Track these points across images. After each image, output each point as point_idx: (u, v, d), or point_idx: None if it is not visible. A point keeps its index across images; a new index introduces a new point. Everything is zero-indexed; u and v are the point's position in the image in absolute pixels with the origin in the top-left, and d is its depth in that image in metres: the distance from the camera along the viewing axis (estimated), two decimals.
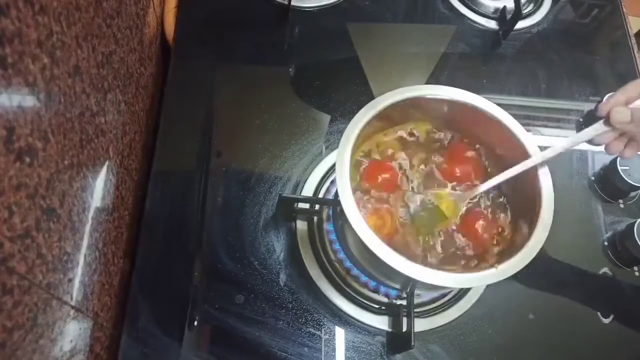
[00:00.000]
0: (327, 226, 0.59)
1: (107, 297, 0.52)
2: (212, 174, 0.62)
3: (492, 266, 0.43)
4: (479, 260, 0.48)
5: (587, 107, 0.74)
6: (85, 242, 0.45)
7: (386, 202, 0.50)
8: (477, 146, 0.54)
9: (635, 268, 0.63)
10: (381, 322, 0.56)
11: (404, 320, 0.55)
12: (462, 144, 0.54)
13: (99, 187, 0.49)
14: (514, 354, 0.57)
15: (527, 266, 0.42)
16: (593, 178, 0.68)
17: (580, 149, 0.71)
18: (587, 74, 0.78)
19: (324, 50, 0.74)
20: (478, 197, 0.51)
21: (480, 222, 0.49)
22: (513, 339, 0.58)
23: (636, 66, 0.79)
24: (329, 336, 0.55)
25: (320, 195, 0.62)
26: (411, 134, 0.54)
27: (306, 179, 0.63)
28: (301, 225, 0.60)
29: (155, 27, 0.72)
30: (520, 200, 0.50)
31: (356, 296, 0.57)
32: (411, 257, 0.42)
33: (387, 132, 0.54)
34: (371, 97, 0.49)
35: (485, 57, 0.79)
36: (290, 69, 0.72)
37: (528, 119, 0.73)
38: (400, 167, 0.52)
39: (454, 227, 0.50)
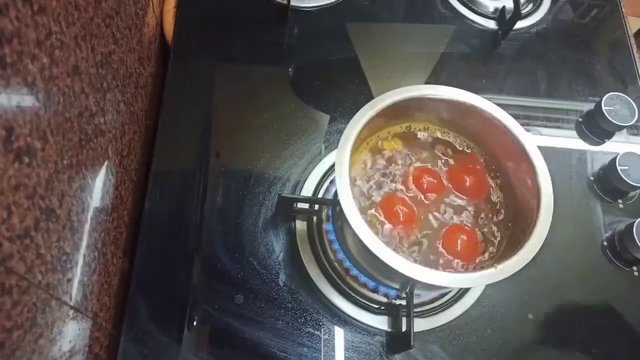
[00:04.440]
0: (327, 226, 0.59)
1: (106, 297, 0.52)
2: (212, 173, 0.62)
3: (491, 266, 0.43)
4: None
5: (587, 107, 0.74)
6: (84, 242, 0.45)
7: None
8: (476, 148, 0.54)
9: (635, 268, 0.63)
10: (380, 322, 0.56)
11: (404, 320, 0.55)
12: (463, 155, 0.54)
13: (98, 187, 0.49)
14: (514, 354, 0.57)
15: (526, 266, 0.42)
16: (592, 178, 0.68)
17: (580, 149, 0.71)
18: (587, 74, 0.78)
19: (324, 50, 0.74)
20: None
21: (463, 236, 0.49)
22: (513, 339, 0.58)
23: (635, 66, 0.79)
24: (329, 336, 0.55)
25: (320, 195, 0.62)
26: (410, 134, 0.54)
27: (305, 179, 0.63)
28: (300, 225, 0.60)
29: (154, 27, 0.72)
30: (520, 200, 0.50)
31: (355, 296, 0.57)
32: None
33: (386, 132, 0.54)
34: (370, 97, 0.49)
35: (485, 57, 0.79)
36: (290, 69, 0.72)
37: (527, 118, 0.73)
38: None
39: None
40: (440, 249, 0.49)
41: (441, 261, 0.49)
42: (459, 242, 0.49)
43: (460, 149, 0.54)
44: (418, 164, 0.53)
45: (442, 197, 0.52)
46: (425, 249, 0.49)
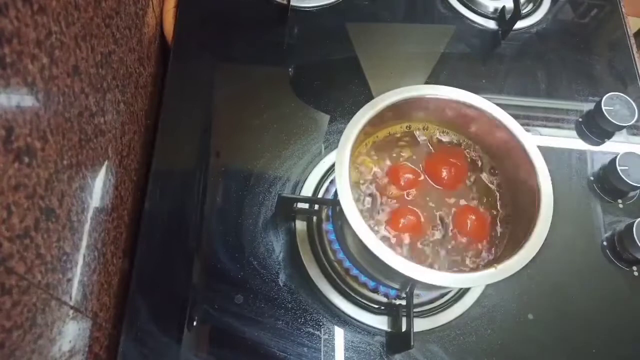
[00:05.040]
0: (326, 226, 0.59)
1: (106, 297, 0.52)
2: (212, 173, 0.62)
3: (491, 266, 0.43)
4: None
5: (587, 107, 0.74)
6: (84, 242, 0.45)
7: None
8: (474, 146, 0.54)
9: (634, 268, 0.63)
10: (380, 322, 0.56)
11: (404, 320, 0.55)
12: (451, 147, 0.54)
13: (98, 187, 0.49)
14: (514, 354, 0.57)
15: (526, 266, 0.42)
16: (592, 178, 0.68)
17: (580, 149, 0.71)
18: (586, 74, 0.78)
19: (324, 50, 0.74)
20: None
21: (472, 217, 0.50)
22: (512, 339, 0.58)
23: (635, 66, 0.79)
24: (328, 336, 0.55)
25: (320, 195, 0.62)
26: (410, 134, 0.54)
27: (305, 179, 0.63)
28: (300, 225, 0.60)
29: (154, 26, 0.72)
30: (520, 199, 0.50)
31: (355, 296, 0.57)
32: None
33: (386, 132, 0.54)
34: (370, 97, 0.49)
35: (485, 57, 0.79)
36: (290, 69, 0.72)
37: (527, 118, 0.73)
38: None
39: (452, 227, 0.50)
40: (455, 231, 0.50)
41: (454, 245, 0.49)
42: (470, 222, 0.49)
43: (445, 140, 0.54)
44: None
45: (429, 194, 0.52)
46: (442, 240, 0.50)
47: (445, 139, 0.54)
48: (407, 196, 0.51)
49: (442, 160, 0.52)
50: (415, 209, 0.50)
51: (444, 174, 0.52)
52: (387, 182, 0.51)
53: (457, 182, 0.52)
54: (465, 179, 0.52)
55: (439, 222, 0.50)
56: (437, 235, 0.50)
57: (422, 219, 0.50)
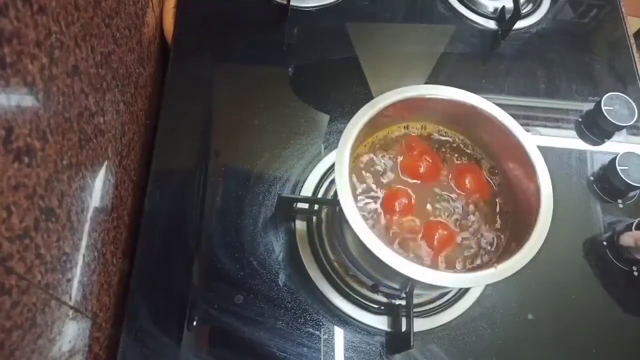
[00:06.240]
0: (326, 226, 0.59)
1: (106, 297, 0.52)
2: (211, 173, 0.62)
3: (491, 266, 0.43)
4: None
5: (586, 107, 0.74)
6: (84, 242, 0.45)
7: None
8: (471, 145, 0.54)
9: (634, 267, 0.63)
10: (380, 322, 0.56)
11: (403, 320, 0.55)
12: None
13: (98, 187, 0.49)
14: (513, 354, 0.57)
15: (526, 266, 0.42)
16: (592, 178, 0.68)
17: (580, 149, 0.71)
18: (586, 74, 0.78)
19: (323, 50, 0.74)
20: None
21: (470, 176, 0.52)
22: (512, 339, 0.58)
23: (635, 66, 0.79)
24: (328, 336, 0.55)
25: (319, 195, 0.62)
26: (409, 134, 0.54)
27: (305, 179, 0.63)
28: (300, 225, 0.60)
29: (154, 27, 0.72)
30: (520, 200, 0.50)
31: (355, 296, 0.57)
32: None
33: (386, 131, 0.54)
34: (370, 97, 0.49)
35: (484, 57, 0.79)
36: (290, 69, 0.72)
37: (527, 118, 0.73)
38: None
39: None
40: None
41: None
42: (469, 181, 0.51)
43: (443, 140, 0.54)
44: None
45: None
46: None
47: (443, 138, 0.54)
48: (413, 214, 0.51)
49: (414, 159, 0.52)
50: (440, 220, 0.50)
51: (422, 168, 0.52)
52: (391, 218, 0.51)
53: (436, 169, 0.52)
54: (439, 162, 0.53)
55: (449, 200, 0.51)
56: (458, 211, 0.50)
57: (450, 226, 0.50)
